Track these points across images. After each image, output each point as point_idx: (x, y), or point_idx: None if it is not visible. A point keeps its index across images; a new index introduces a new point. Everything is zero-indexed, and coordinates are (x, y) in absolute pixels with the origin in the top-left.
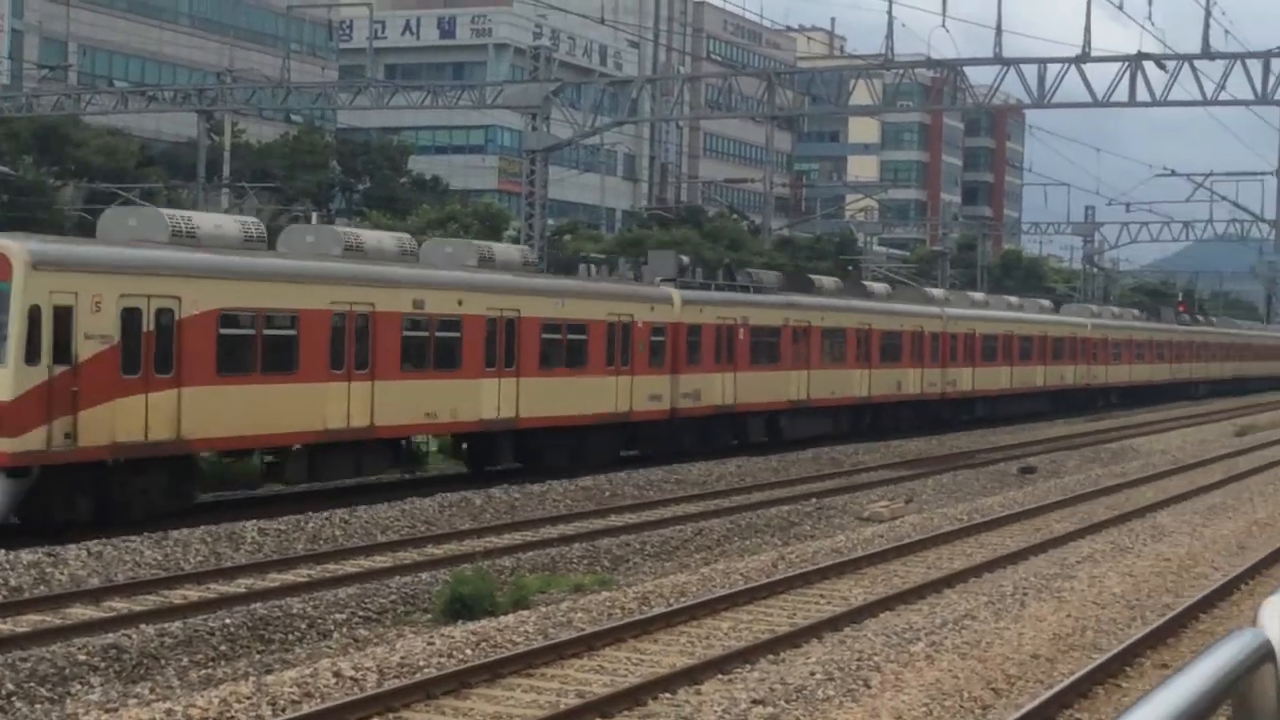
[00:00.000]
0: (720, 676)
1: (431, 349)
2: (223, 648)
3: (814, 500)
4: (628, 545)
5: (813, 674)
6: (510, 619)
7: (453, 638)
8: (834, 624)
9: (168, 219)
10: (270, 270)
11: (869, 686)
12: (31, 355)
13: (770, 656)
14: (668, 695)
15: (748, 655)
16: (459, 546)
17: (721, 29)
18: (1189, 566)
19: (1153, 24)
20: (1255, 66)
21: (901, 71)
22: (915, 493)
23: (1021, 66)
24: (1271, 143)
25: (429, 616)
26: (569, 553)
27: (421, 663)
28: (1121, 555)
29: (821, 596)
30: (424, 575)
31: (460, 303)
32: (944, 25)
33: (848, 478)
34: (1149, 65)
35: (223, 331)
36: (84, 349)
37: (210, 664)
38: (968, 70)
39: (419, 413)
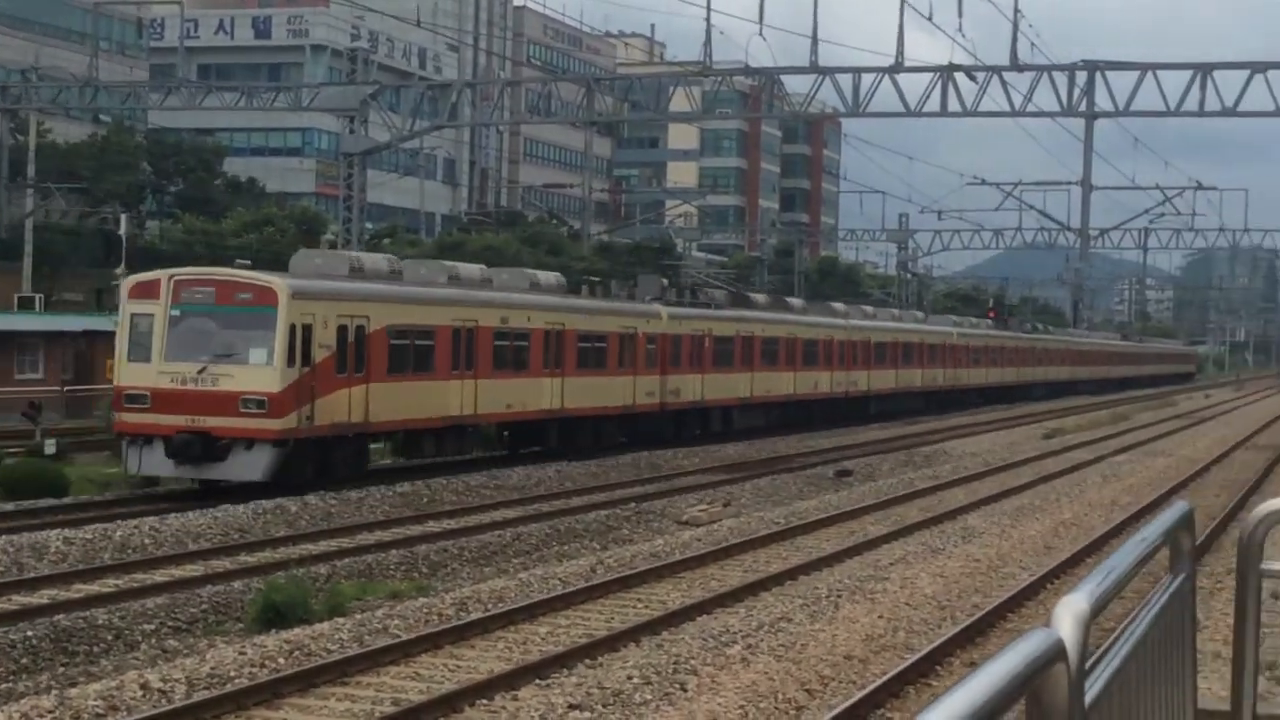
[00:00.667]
0: (537, 682)
1: (511, 354)
2: (24, 661)
3: (633, 505)
4: (446, 551)
5: (630, 678)
6: (325, 627)
7: (265, 647)
8: (651, 628)
9: (347, 258)
10: (416, 296)
11: (685, 690)
12: (290, 360)
13: (587, 661)
14: (484, 702)
15: (565, 660)
16: (273, 554)
17: (541, 34)
18: (998, 567)
19: (964, 36)
20: (1061, 79)
21: (720, 79)
22: (733, 496)
23: (836, 76)
24: (1077, 153)
25: (241, 626)
26: (386, 559)
27: (233, 673)
28: (933, 557)
29: (639, 600)
30: (236, 584)
31: (529, 319)
32: (761, 34)
33: (667, 482)
34: (959, 76)
35: (391, 342)
36: (317, 355)
37: (11, 678)
38: (785, 79)
39: (503, 404)
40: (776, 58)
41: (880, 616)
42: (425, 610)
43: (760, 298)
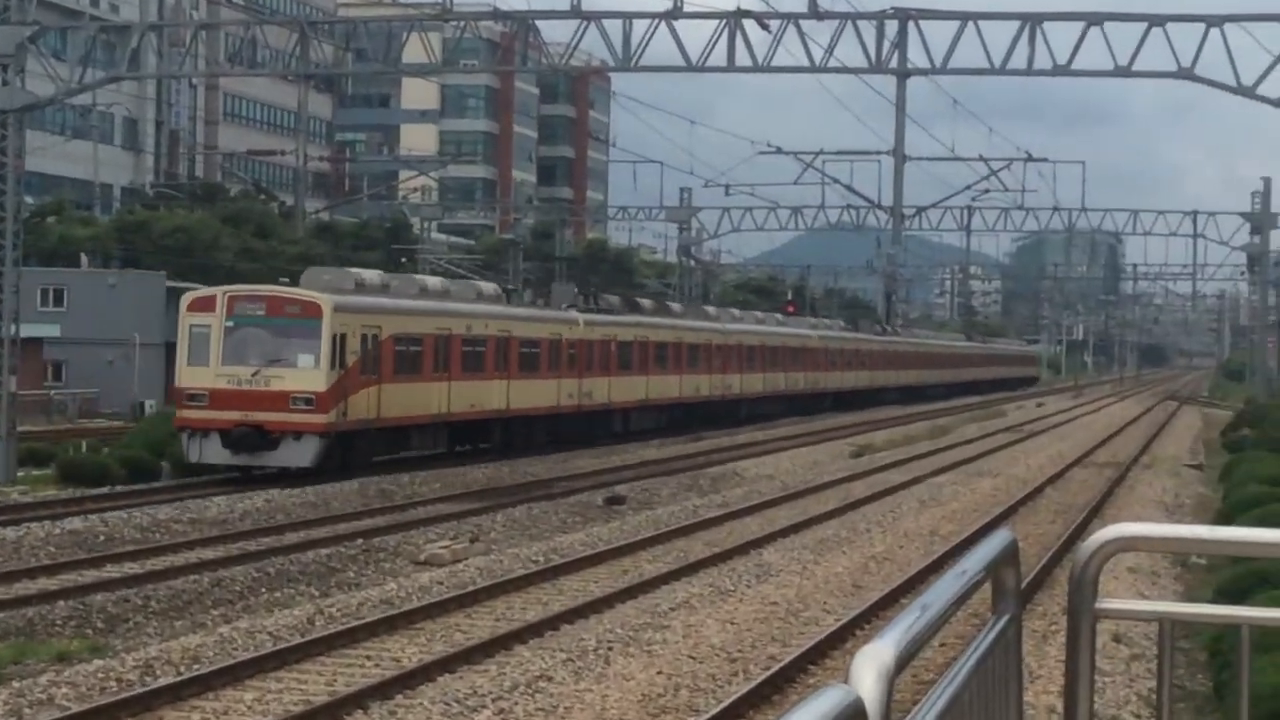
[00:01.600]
0: None
1: (473, 359)
2: None
3: (360, 541)
4: (127, 601)
5: None
6: None
7: None
8: (383, 690)
9: (351, 275)
10: (411, 308)
11: None
12: (332, 364)
13: None
14: None
15: None
16: None
17: None
18: (798, 610)
19: None
20: (868, 30)
21: (464, 24)
22: (482, 530)
23: (604, 22)
24: (888, 118)
25: None
26: (51, 613)
27: None
28: (722, 599)
29: (368, 657)
30: None
31: (486, 326)
32: None
33: (401, 513)
34: (749, 25)
35: (396, 349)
36: (349, 360)
37: None
38: (542, 25)
39: (468, 404)
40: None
41: (659, 672)
42: (101, 675)
43: (647, 303)
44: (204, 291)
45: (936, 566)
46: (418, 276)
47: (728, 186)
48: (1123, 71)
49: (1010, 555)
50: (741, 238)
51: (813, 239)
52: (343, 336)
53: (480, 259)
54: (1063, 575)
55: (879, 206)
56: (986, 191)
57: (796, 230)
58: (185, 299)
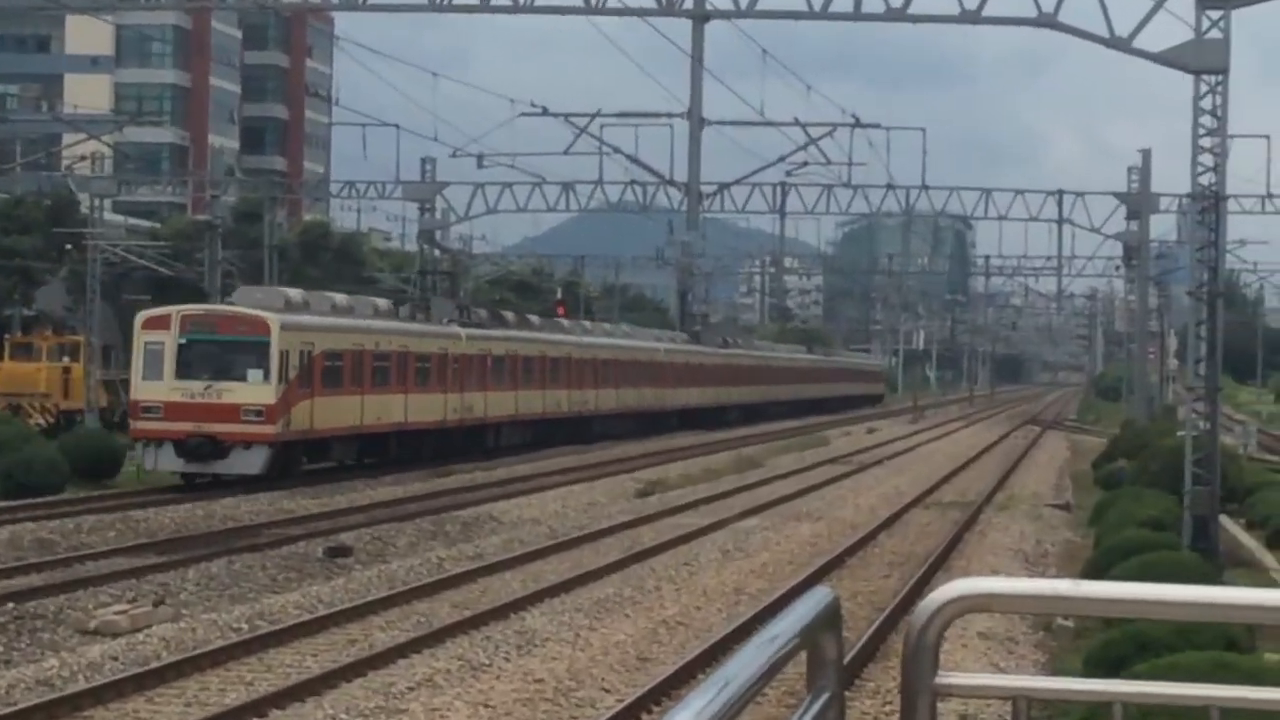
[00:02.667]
0: None
1: (380, 374)
2: None
3: (11, 605)
4: None
5: None
6: None
7: None
8: None
9: (280, 294)
10: (335, 325)
11: None
12: (280, 379)
13: None
14: None
15: None
16: None
17: None
18: (569, 690)
19: None
20: None
21: None
22: (170, 590)
23: None
24: (682, 72)
25: None
26: None
27: None
28: (475, 676)
29: None
30: None
31: (390, 343)
32: None
33: (65, 569)
34: None
35: (325, 364)
36: (291, 374)
37: None
38: None
39: (375, 416)
40: None
41: None
42: None
43: (510, 315)
44: (158, 310)
45: (743, 633)
46: (328, 294)
47: (481, 156)
48: (970, 17)
49: (830, 618)
50: (499, 221)
51: (588, 223)
52: (286, 353)
53: (167, 246)
54: (898, 643)
55: (671, 182)
56: (804, 164)
57: (568, 211)
58: (140, 317)
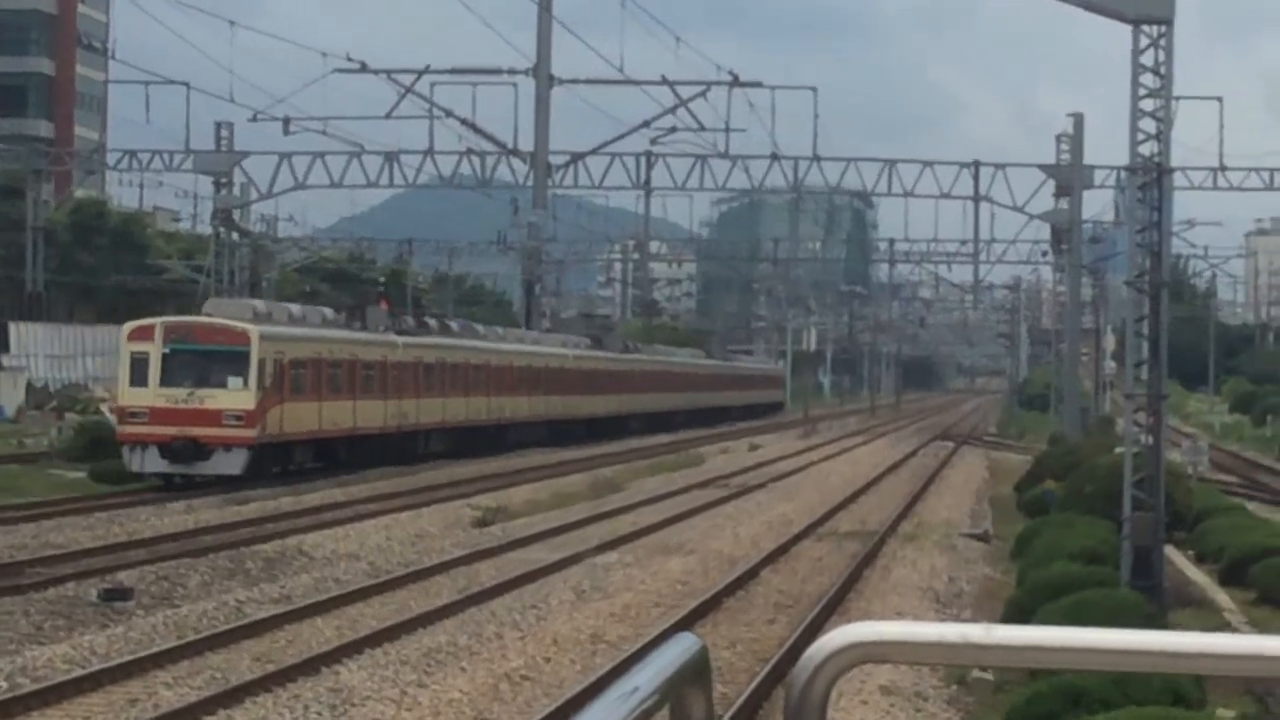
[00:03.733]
0: None
1: (332, 381)
2: None
3: None
4: None
5: None
6: None
7: None
8: None
9: (250, 306)
10: (300, 335)
11: None
12: (258, 386)
13: None
14: None
15: None
16: None
17: None
18: None
19: None
20: None
21: None
22: None
23: None
24: (527, 21)
25: None
26: None
27: None
28: None
29: None
30: None
31: (341, 351)
32: None
33: None
34: None
35: (292, 372)
36: (267, 381)
37: None
38: None
39: (331, 422)
40: None
41: None
42: None
43: (433, 323)
44: (144, 322)
45: (600, 689)
46: (285, 305)
47: (287, 120)
48: None
49: (697, 670)
50: (310, 198)
51: (417, 200)
52: (263, 361)
53: None
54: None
55: (514, 152)
56: (672, 130)
57: (392, 187)
58: (125, 329)
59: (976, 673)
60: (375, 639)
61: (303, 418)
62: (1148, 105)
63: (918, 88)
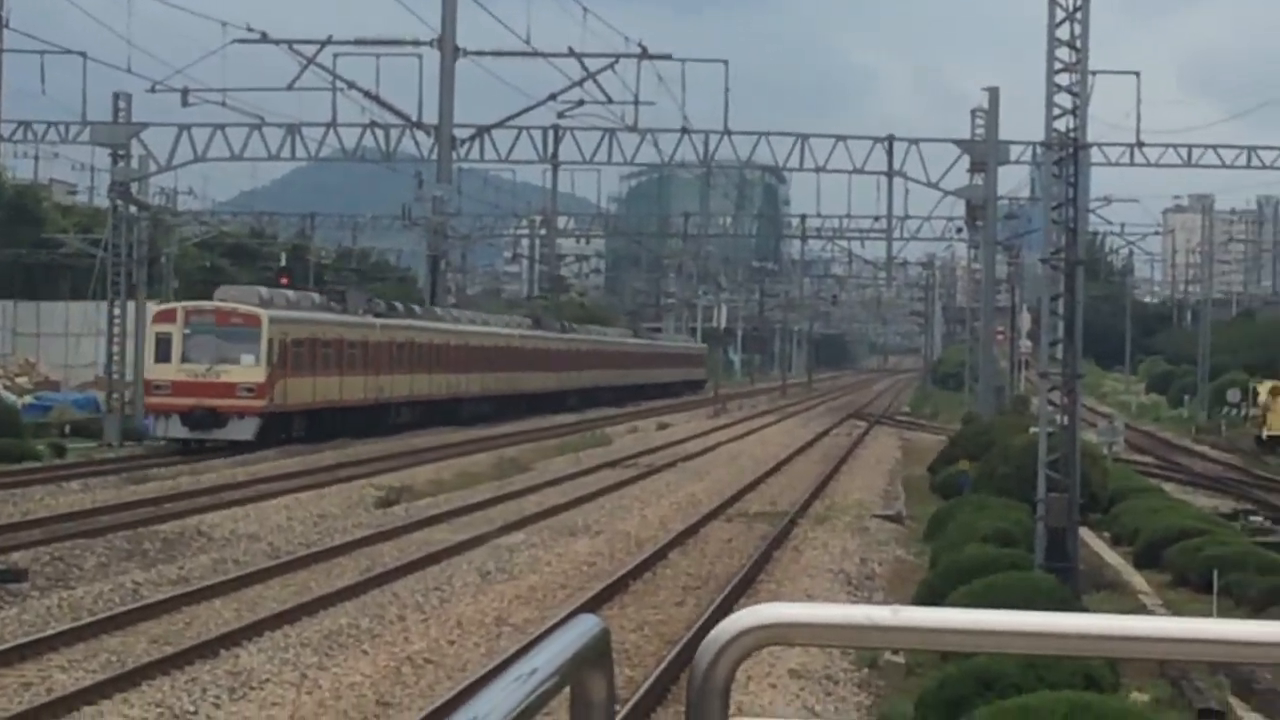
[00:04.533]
0: None
1: (325, 359)
2: None
3: None
4: None
5: None
6: None
7: None
8: None
9: (256, 292)
10: (297, 318)
11: None
12: (268, 362)
13: None
14: None
15: None
16: None
17: None
18: None
19: None
20: None
21: None
22: None
23: None
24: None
25: None
26: None
27: None
28: None
29: None
30: None
31: (332, 331)
32: None
33: None
34: None
35: (293, 350)
36: (274, 358)
37: None
38: None
39: (324, 395)
40: None
41: None
42: None
43: (400, 307)
44: (166, 306)
45: (503, 670)
46: (282, 291)
47: (186, 92)
48: None
49: (598, 652)
50: (210, 171)
51: (319, 174)
52: (271, 340)
53: None
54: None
55: (419, 125)
56: (580, 104)
57: (294, 160)
58: (151, 312)
59: (888, 656)
60: (275, 621)
61: (301, 391)
62: (1063, 80)
63: (830, 61)
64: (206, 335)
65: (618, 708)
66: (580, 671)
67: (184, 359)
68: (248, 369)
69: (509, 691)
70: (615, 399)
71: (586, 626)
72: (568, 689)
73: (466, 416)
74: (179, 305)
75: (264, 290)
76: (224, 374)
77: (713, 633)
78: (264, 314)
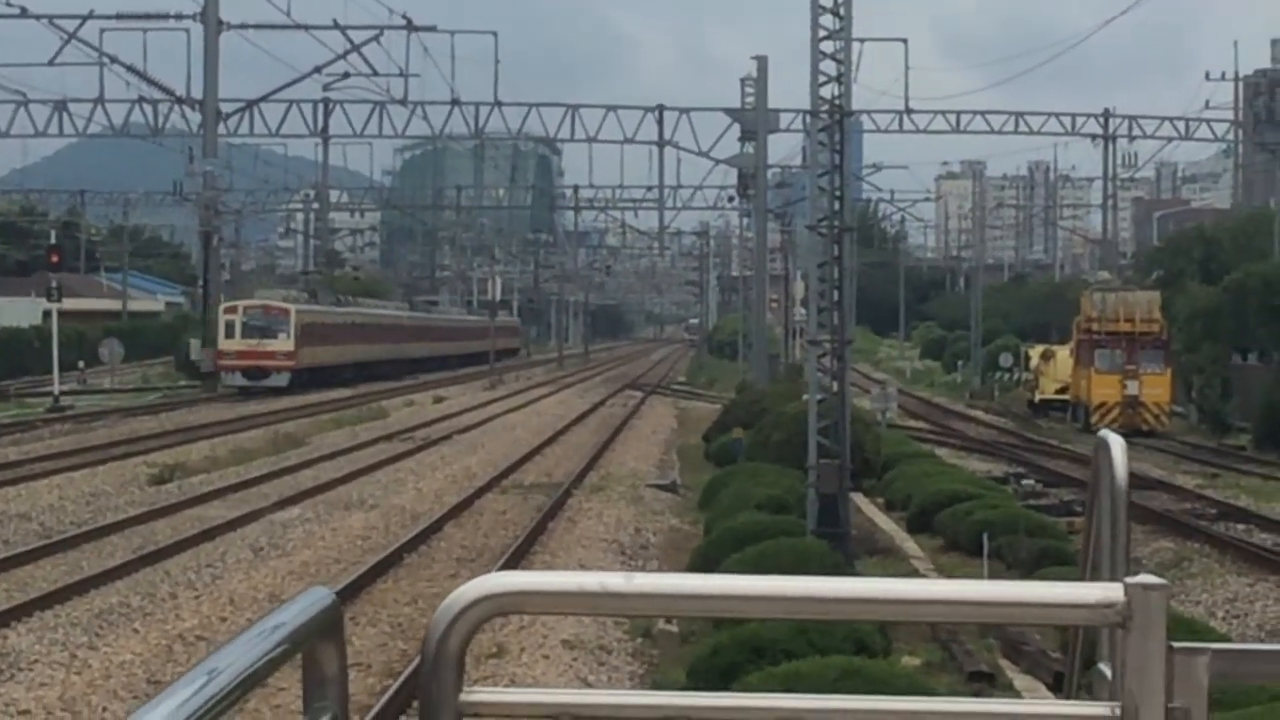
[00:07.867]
0: None
1: (334, 334)
2: None
3: None
4: None
5: None
6: None
7: None
8: None
9: (281, 294)
10: (312, 309)
11: None
12: (295, 338)
13: None
14: None
15: None
16: None
17: None
18: None
19: None
20: None
21: None
22: None
23: None
24: None
25: None
26: None
27: None
28: None
29: None
30: None
31: (334, 318)
32: None
33: None
34: None
35: (309, 330)
36: (299, 335)
37: None
38: None
39: (325, 360)
40: None
41: None
42: None
43: (350, 298)
44: (231, 303)
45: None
46: (300, 291)
47: None
48: None
49: (330, 623)
50: None
51: (89, 150)
52: (297, 325)
53: None
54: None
55: (187, 100)
56: (345, 76)
57: (62, 136)
58: (222, 307)
59: (662, 625)
60: (45, 601)
61: (317, 355)
62: (828, 47)
63: (599, 29)
64: (257, 321)
65: (390, 682)
66: (310, 642)
67: (242, 335)
68: (282, 342)
69: (241, 653)
70: (456, 365)
71: (317, 598)
72: (300, 659)
73: (384, 373)
74: (240, 303)
75: (288, 293)
76: (268, 345)
77: (444, 603)
78: (293, 307)
